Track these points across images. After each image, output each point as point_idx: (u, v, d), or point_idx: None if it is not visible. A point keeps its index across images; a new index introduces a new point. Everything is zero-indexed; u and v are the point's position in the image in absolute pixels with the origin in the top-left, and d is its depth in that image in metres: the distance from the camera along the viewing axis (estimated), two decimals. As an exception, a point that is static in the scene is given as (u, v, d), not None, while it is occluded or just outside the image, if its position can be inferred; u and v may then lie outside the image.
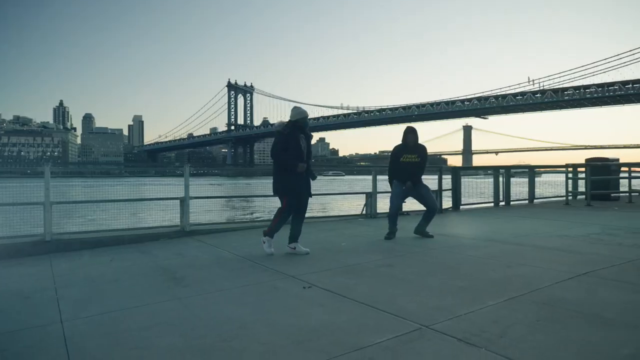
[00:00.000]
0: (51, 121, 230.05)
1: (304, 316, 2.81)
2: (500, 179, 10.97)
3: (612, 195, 10.93)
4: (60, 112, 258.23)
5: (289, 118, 4.90)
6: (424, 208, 5.97)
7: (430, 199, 5.96)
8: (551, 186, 13.28)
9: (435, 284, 3.48)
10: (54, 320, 2.84)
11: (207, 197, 7.20)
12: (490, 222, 7.50)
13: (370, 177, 8.53)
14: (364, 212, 8.36)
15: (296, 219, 4.93)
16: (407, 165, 5.86)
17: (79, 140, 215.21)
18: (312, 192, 5.03)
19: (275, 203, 8.00)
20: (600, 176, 10.70)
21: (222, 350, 2.31)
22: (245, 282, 3.72)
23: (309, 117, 5.05)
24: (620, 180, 11.37)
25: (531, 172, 11.90)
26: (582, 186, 11.27)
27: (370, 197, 8.35)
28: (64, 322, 2.80)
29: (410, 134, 5.89)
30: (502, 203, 10.89)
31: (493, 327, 2.51)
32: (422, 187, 5.93)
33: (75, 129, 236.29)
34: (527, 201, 11.54)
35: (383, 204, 7.95)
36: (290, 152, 4.76)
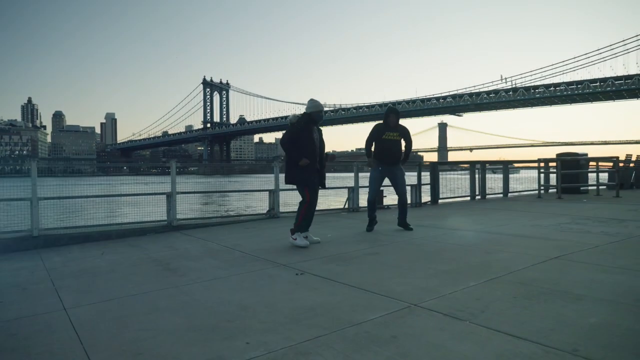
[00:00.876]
0: (19, 119, 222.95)
1: (300, 299, 2.98)
2: (477, 174, 11.36)
3: (582, 188, 11.44)
4: (29, 110, 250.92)
5: (303, 112, 5.06)
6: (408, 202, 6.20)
7: (402, 187, 5.95)
8: (524, 182, 13.86)
9: (421, 269, 3.70)
10: (57, 308, 2.94)
11: (195, 192, 7.28)
12: (468, 214, 7.82)
13: (350, 175, 8.75)
14: (346, 206, 8.58)
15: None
16: (389, 143, 5.80)
17: (49, 139, 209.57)
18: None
19: (253, 200, 8.18)
20: (570, 170, 11.19)
21: (227, 329, 2.46)
22: (239, 270, 3.87)
23: (323, 111, 5.14)
24: (589, 174, 11.91)
25: (505, 167, 12.35)
26: (553, 180, 11.83)
27: (352, 192, 8.57)
28: (67, 310, 2.89)
29: (392, 114, 5.85)
30: (479, 197, 11.29)
31: (475, 304, 2.74)
32: (399, 170, 5.90)
33: (45, 127, 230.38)
34: (502, 195, 11.98)
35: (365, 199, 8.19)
36: (302, 145, 4.85)
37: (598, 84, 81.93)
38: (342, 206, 8.73)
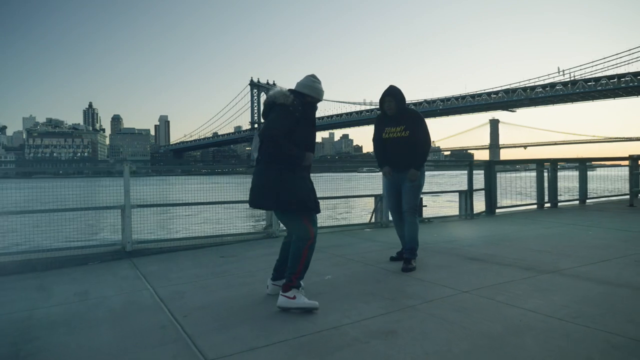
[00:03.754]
0: (81, 123, 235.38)
1: None
2: (545, 174, 8.95)
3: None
4: (90, 114, 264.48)
5: (296, 89, 3.00)
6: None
7: (405, 201, 3.93)
8: (592, 181, 10.98)
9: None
10: None
11: (155, 205, 5.44)
12: (544, 234, 5.57)
13: (375, 174, 6.68)
14: (372, 220, 6.55)
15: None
16: (390, 143, 3.94)
17: (107, 141, 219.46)
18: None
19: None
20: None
21: None
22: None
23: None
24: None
25: (582, 166, 9.78)
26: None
27: (381, 201, 6.52)
28: None
29: (388, 97, 3.88)
30: (548, 204, 8.88)
31: None
32: (409, 179, 3.89)
33: (104, 130, 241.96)
34: (577, 202, 9.47)
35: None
36: (301, 141, 2.89)
37: (673, 73, 74.39)
38: (367, 220, 6.69)
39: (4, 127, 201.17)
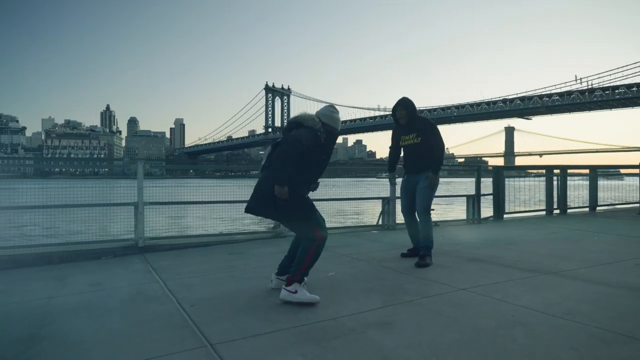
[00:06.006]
0: (99, 124, 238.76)
1: None
2: (555, 181, 8.95)
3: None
4: (107, 116, 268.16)
5: (317, 117, 3.14)
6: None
7: (417, 203, 4.20)
8: (604, 190, 10.92)
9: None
10: None
11: (167, 203, 5.62)
12: (548, 239, 5.60)
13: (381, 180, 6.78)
14: (379, 222, 6.64)
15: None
16: (406, 150, 4.35)
17: (123, 143, 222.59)
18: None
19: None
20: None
21: None
22: (133, 354, 2.15)
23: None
24: None
25: (593, 173, 9.75)
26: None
27: (388, 204, 6.62)
28: None
29: (399, 107, 4.20)
30: (557, 211, 8.87)
31: None
32: (424, 180, 4.15)
33: (120, 132, 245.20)
34: (587, 209, 9.44)
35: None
36: (312, 164, 3.04)
37: (694, 81, 73.03)
38: (375, 222, 6.78)
39: (24, 128, 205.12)
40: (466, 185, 8.59)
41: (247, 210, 3.08)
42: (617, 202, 10.30)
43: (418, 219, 4.23)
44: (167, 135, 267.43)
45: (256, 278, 3.60)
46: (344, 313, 2.68)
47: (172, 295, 3.17)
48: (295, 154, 2.88)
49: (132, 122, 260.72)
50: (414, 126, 4.19)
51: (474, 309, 2.72)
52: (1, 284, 3.65)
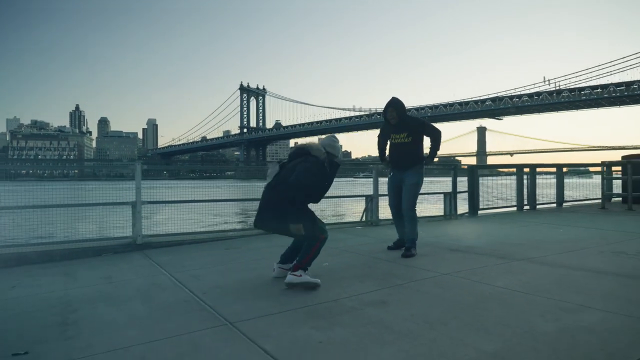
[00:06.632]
0: (68, 125, 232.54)
1: None
2: (525, 180, 9.54)
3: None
4: (77, 116, 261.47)
5: (322, 147, 3.52)
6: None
7: (404, 199, 4.53)
8: (571, 188, 11.70)
9: (447, 344, 2.15)
10: None
11: (167, 202, 5.88)
12: (518, 232, 6.10)
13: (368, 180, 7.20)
14: (363, 218, 7.04)
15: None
16: (393, 148, 4.66)
17: (94, 144, 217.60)
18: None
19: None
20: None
21: None
22: (162, 332, 2.44)
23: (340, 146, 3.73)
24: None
25: (559, 171, 10.41)
26: (617, 187, 9.92)
27: (371, 201, 7.02)
28: None
29: (390, 107, 4.51)
30: (527, 207, 9.47)
31: None
32: (406, 177, 4.51)
33: (90, 132, 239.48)
34: (554, 205, 10.09)
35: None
36: (314, 188, 3.43)
37: (651, 83, 76.53)
38: (358, 218, 7.17)
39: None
40: (441, 184, 9.09)
41: (256, 226, 3.47)
42: (581, 198, 11.01)
43: (404, 216, 4.55)
44: (140, 135, 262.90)
45: (258, 269, 3.91)
46: (343, 295, 3.04)
47: (183, 285, 3.46)
48: (303, 191, 3.27)
49: (103, 123, 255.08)
50: (406, 126, 4.52)
51: (456, 289, 3.12)
52: (9, 280, 3.83)
